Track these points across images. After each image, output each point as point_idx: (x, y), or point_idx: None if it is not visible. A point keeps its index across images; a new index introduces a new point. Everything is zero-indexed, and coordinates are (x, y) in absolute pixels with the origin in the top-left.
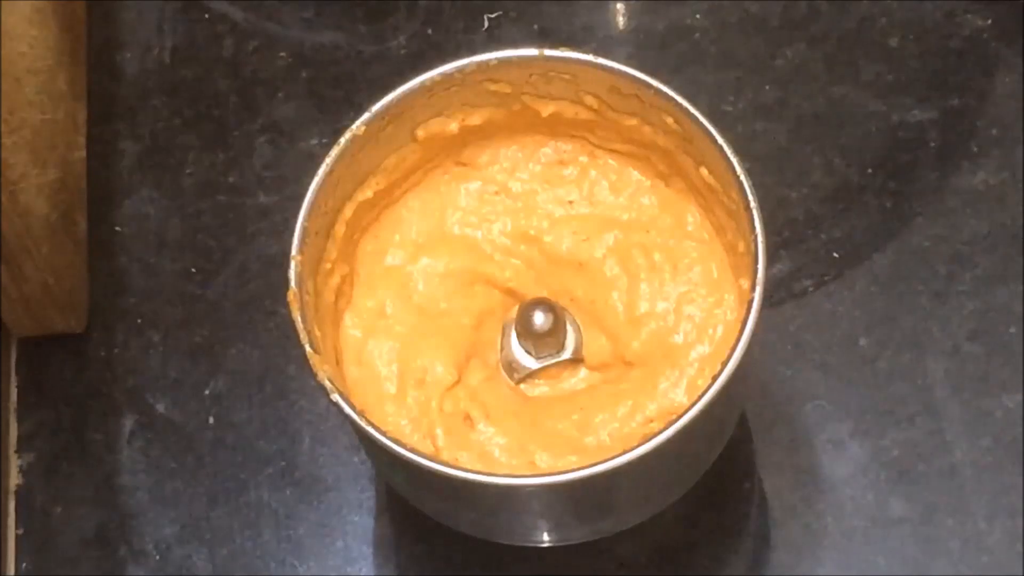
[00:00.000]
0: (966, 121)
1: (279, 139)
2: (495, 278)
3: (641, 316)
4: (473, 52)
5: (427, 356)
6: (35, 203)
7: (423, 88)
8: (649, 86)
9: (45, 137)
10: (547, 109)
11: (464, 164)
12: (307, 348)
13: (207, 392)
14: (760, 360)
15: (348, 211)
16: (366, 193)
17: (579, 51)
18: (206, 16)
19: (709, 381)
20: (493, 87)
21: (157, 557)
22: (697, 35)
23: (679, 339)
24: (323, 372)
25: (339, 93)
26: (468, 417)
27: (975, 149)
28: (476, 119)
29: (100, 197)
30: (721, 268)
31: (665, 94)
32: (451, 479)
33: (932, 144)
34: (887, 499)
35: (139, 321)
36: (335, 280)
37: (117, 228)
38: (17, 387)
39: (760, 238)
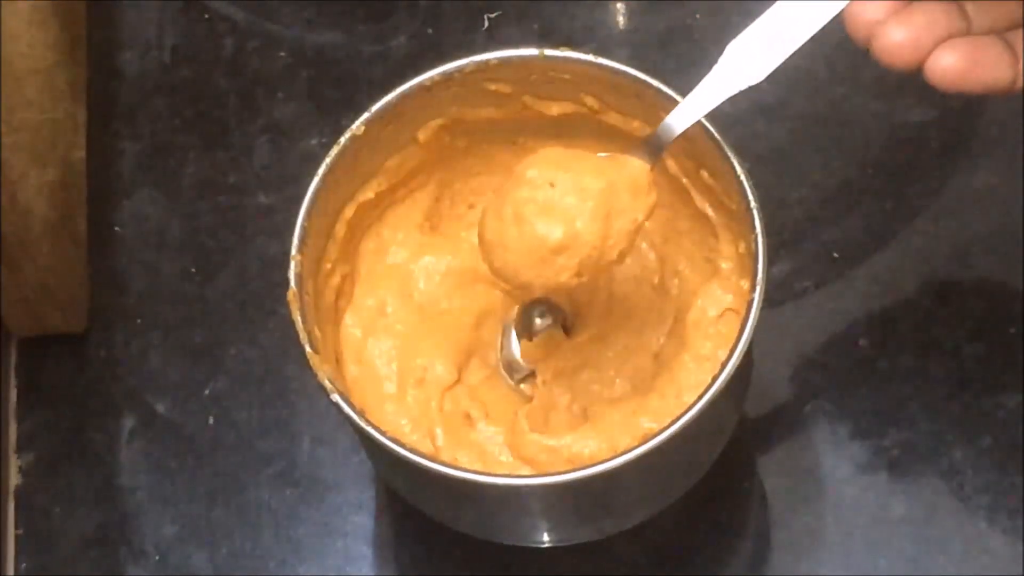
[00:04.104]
0: (966, 121)
1: (279, 139)
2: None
3: None
4: (473, 52)
5: (427, 355)
6: (35, 203)
7: (423, 88)
8: (649, 86)
9: (45, 137)
10: (548, 110)
11: (466, 165)
12: (307, 348)
13: (207, 392)
14: (760, 360)
15: (349, 212)
16: (367, 194)
17: (579, 51)
18: (206, 16)
19: (709, 381)
20: (493, 87)
21: (157, 557)
22: (697, 35)
23: None
24: (323, 372)
25: (339, 93)
26: (468, 416)
27: (975, 149)
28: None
29: (100, 197)
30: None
31: (665, 94)
32: (451, 479)
33: (932, 144)
34: (887, 499)
35: (139, 321)
36: (335, 280)
37: (117, 228)
38: (17, 387)
39: (760, 238)
